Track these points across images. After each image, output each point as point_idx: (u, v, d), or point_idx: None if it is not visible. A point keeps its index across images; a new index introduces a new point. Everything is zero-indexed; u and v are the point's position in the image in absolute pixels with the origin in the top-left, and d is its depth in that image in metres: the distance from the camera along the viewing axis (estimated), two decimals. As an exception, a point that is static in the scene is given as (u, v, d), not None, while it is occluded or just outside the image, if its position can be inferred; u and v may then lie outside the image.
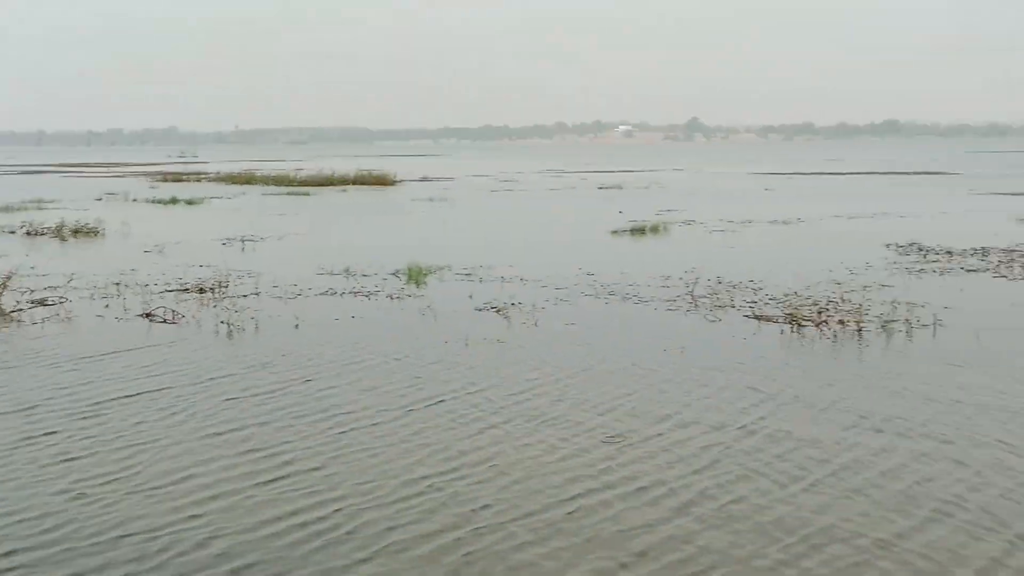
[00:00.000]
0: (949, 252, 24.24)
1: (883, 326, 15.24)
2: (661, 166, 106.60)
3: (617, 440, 10.03)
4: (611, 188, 59.25)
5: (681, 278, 20.34)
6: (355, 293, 19.30)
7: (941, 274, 20.78)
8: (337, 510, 8.32)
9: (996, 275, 20.50)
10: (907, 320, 15.48)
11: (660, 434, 10.23)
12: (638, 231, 31.01)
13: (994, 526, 7.83)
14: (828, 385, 12.05)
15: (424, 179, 73.01)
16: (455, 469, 9.26)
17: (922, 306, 16.61)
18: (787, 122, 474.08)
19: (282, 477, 9.09)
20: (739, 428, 10.39)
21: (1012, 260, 22.46)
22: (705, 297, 18.13)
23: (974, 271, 21.13)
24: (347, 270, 22.27)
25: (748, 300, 17.75)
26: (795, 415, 10.82)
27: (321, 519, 8.13)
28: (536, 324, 16.07)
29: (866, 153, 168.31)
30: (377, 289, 19.73)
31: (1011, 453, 9.52)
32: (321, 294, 19.23)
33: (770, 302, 17.42)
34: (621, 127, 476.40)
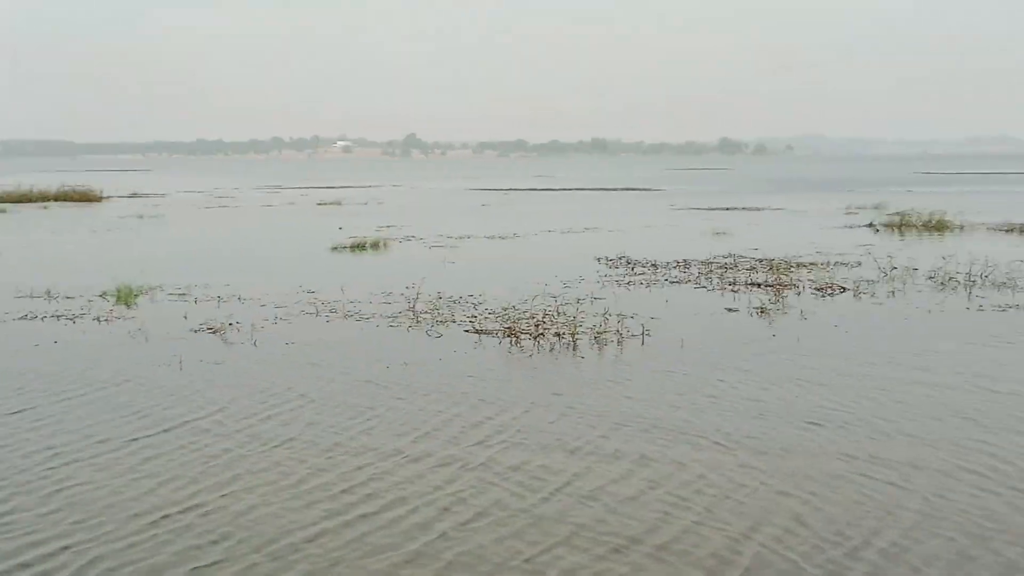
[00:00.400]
0: (655, 265, 25.55)
1: (596, 337, 15.86)
2: (380, 182, 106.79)
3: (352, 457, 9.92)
4: (330, 204, 58.76)
5: (402, 294, 20.41)
6: (58, 316, 18.16)
7: (648, 286, 21.86)
8: (63, 549, 7.77)
9: (697, 286, 21.77)
10: (618, 331, 16.17)
11: (399, 451, 10.21)
12: (358, 247, 30.89)
13: (720, 525, 8.27)
14: (553, 395, 12.40)
15: (134, 195, 69.86)
16: (189, 499, 8.86)
17: (631, 317, 17.39)
18: (502, 139, 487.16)
19: (-9, 518, 8.38)
20: (475, 443, 10.51)
21: (711, 272, 23.93)
22: (426, 313, 18.26)
23: (677, 283, 22.36)
24: (48, 292, 20.93)
25: (468, 315, 18.04)
26: (527, 427, 11.07)
27: (46, 559, 7.54)
28: (255, 344, 15.67)
29: (577, 170, 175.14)
30: (83, 312, 18.65)
31: (727, 453, 10.11)
32: (19, 319, 17.98)
33: (489, 316, 17.76)
34: (339, 143, 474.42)
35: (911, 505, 8.63)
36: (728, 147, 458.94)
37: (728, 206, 54.61)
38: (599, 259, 27.11)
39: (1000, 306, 18.60)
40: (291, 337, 16.25)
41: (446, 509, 8.69)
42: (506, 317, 17.30)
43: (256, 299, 20.07)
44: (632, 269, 24.88)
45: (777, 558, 7.64)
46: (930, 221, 36.94)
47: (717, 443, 10.45)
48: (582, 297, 19.61)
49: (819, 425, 11.05)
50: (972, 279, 21.59)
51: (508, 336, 16.04)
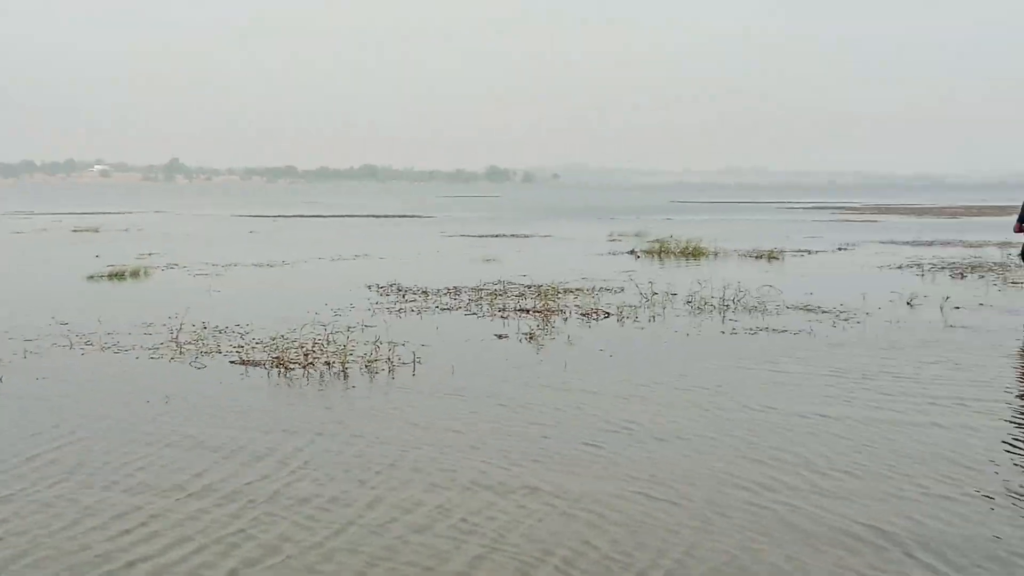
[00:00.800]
0: (425, 292, 25.60)
1: (367, 365, 15.72)
2: (141, 208, 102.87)
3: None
4: (87, 231, 56.09)
5: (165, 324, 19.62)
6: None
7: (419, 313, 21.87)
8: None
9: (467, 313, 21.95)
10: (389, 359, 16.08)
11: (179, 487, 9.77)
12: (117, 276, 29.55)
13: (541, 555, 8.21)
14: (333, 426, 12.14)
15: None
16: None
17: (403, 344, 17.34)
18: (270, 164, 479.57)
19: None
20: (258, 477, 10.12)
21: (481, 298, 24.18)
22: (190, 343, 17.62)
23: (448, 309, 22.47)
24: None
25: (235, 345, 17.52)
26: (310, 458, 10.78)
27: None
28: (0, 380, 14.69)
29: (347, 196, 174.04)
30: None
31: (512, 477, 10.12)
32: None
33: (257, 346, 17.31)
34: (96, 167, 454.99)
35: (690, 523, 8.90)
36: (497, 175, 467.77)
37: (498, 233, 55.51)
38: (370, 286, 26.95)
39: (751, 329, 19.59)
40: (42, 372, 15.33)
41: (235, 546, 8.36)
42: (275, 347, 16.90)
43: (3, 332, 18.83)
44: (403, 296, 24.84)
45: (568, 581, 7.70)
46: (687, 248, 38.64)
47: (503, 467, 10.49)
48: (353, 325, 19.39)
49: (598, 447, 11.29)
50: (726, 304, 22.69)
51: (277, 366, 15.68)
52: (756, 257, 37.41)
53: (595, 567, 7.96)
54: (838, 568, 7.91)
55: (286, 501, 9.49)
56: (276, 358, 16.02)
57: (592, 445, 11.37)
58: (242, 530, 8.75)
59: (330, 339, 17.40)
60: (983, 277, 29.05)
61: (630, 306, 22.71)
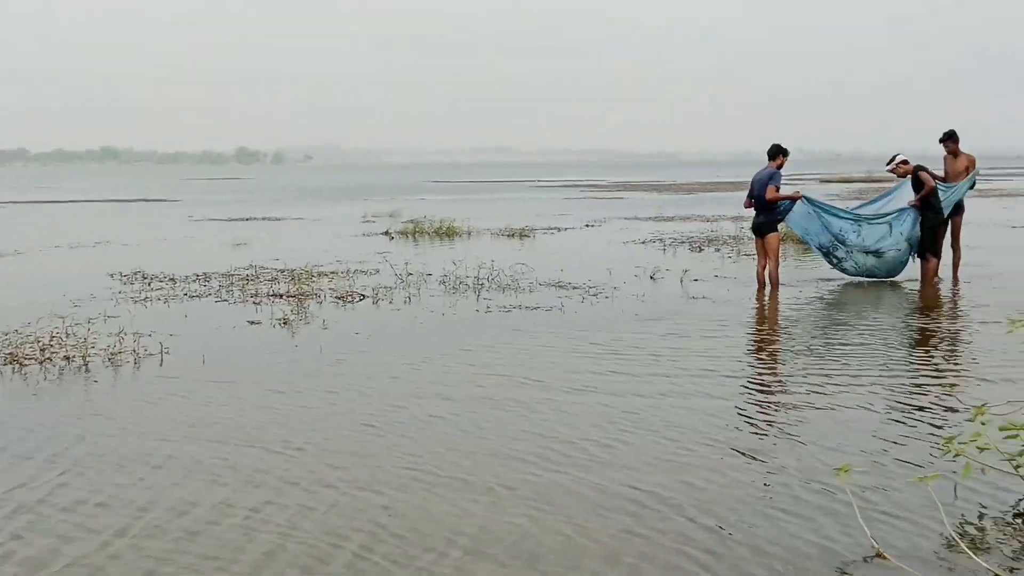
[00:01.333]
0: (173, 279, 24.66)
1: (110, 358, 14.99)
2: None
3: None
4: None
5: None
6: None
7: (166, 302, 21.05)
8: None
9: (218, 299, 21.31)
10: (135, 351, 15.39)
11: None
12: None
13: (336, 542, 7.97)
14: (93, 423, 11.47)
15: None
16: None
17: (149, 335, 16.63)
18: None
19: None
20: (24, 494, 9.26)
21: (232, 284, 23.52)
22: (-90, 342, 16.27)
23: (197, 297, 21.75)
24: None
25: (-38, 343, 16.32)
26: (76, 466, 10.08)
27: None
28: None
29: (86, 180, 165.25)
30: None
31: (297, 464, 9.80)
32: None
33: (-13, 342, 16.19)
34: None
35: (480, 500, 8.94)
36: (246, 156, 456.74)
37: (248, 216, 54.10)
38: (112, 275, 25.69)
39: (506, 307, 19.92)
40: None
41: (10, 553, 7.79)
42: (7, 342, 15.82)
43: None
44: (149, 284, 23.84)
45: (369, 565, 7.58)
46: (441, 228, 38.93)
47: (282, 455, 10.22)
48: (94, 316, 18.43)
49: (375, 428, 11.21)
50: (480, 282, 22.97)
51: (10, 363, 14.72)
52: (508, 236, 38.04)
53: (392, 551, 7.85)
54: (624, 533, 8.14)
55: (59, 504, 8.93)
56: (9, 354, 15.04)
57: (369, 427, 11.26)
58: (17, 536, 8.17)
59: (69, 332, 16.45)
60: (719, 250, 30.69)
61: (385, 287, 22.64)
